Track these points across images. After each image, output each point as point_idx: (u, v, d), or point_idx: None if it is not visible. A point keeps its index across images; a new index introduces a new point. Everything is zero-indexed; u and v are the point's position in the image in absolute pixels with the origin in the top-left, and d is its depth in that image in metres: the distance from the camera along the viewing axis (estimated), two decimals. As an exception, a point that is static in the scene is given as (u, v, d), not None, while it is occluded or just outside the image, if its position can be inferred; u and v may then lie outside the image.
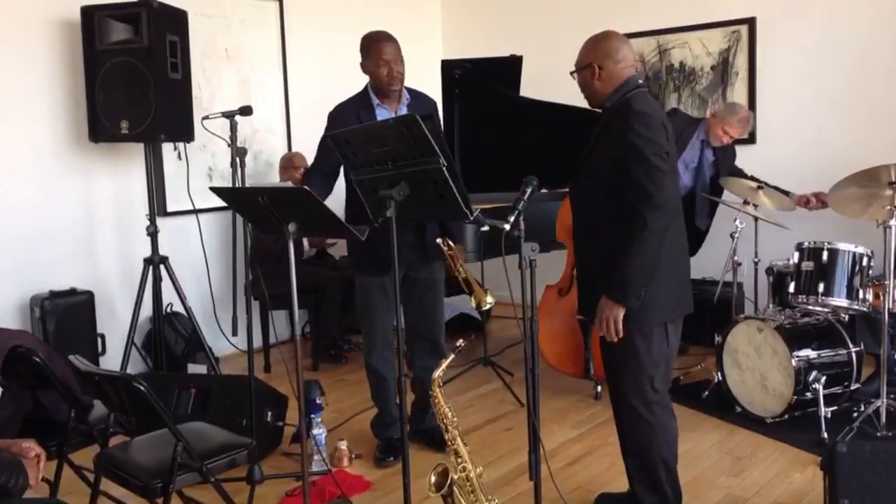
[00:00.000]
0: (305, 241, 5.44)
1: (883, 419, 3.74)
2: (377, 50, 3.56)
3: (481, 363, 5.01)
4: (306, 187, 2.83)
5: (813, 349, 3.98)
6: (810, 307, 4.15)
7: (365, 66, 3.62)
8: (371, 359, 3.75)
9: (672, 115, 5.01)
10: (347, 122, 3.38)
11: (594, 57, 2.87)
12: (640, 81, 2.93)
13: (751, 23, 5.69)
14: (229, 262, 4.47)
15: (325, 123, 3.64)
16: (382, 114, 3.59)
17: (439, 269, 3.79)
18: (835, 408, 3.96)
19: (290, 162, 5.59)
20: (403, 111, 3.61)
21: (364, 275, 3.70)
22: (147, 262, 4.65)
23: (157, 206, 4.80)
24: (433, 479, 2.60)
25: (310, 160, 4.01)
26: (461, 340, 2.78)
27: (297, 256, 2.93)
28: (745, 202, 4.57)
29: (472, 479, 2.72)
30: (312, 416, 3.71)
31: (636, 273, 2.70)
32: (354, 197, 3.15)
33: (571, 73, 2.96)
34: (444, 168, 2.56)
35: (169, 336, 4.94)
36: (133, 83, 4.41)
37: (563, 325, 4.47)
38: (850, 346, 4.03)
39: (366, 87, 3.68)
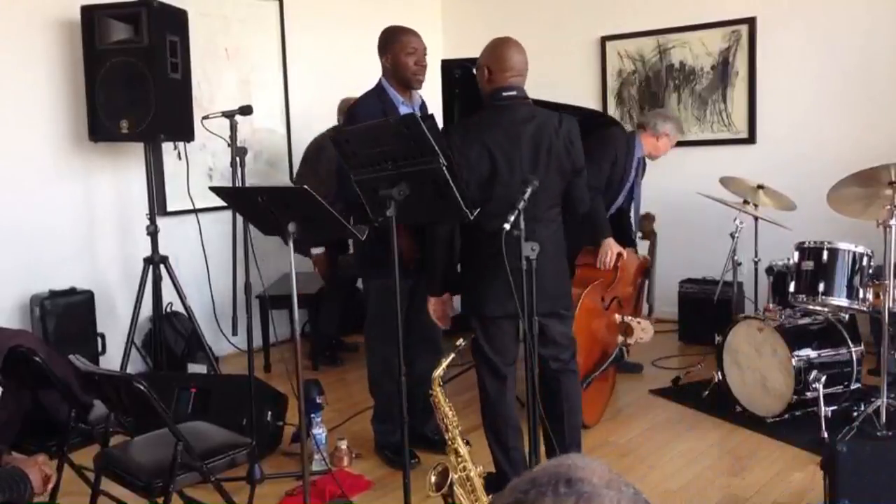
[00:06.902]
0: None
1: (883, 419, 3.74)
2: (406, 41, 3.51)
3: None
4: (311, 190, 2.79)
5: (813, 349, 3.98)
6: (810, 307, 4.15)
7: (388, 58, 3.52)
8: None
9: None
10: (373, 118, 3.23)
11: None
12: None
13: (751, 23, 5.69)
14: (229, 262, 4.45)
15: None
16: (405, 110, 3.49)
17: None
18: (835, 407, 3.96)
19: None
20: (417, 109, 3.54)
21: (387, 277, 3.44)
22: (147, 261, 4.64)
23: (157, 205, 4.79)
24: (433, 478, 2.60)
25: None
26: (461, 340, 2.78)
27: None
28: (745, 202, 4.57)
29: (473, 478, 2.71)
30: (312, 415, 3.71)
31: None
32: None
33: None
34: (444, 168, 2.56)
35: (169, 336, 4.94)
36: (133, 83, 4.40)
37: (601, 332, 4.14)
38: (851, 345, 4.03)
39: (380, 84, 3.59)
